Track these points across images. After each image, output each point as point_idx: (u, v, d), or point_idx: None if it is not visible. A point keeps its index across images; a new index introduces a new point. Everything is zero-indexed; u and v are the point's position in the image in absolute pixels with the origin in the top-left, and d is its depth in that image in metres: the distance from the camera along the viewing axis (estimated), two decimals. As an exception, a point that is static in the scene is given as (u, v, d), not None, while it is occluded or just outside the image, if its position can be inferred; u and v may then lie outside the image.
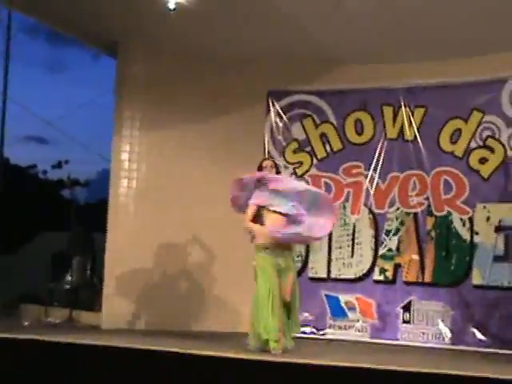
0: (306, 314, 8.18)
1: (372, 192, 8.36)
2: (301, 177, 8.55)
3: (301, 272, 8.23)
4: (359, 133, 8.51)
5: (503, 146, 7.86)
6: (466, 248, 7.93)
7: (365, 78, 8.34)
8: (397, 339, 7.99)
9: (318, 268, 8.48)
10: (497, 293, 7.68)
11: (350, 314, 8.23)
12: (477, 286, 7.80)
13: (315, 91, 8.61)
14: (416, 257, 8.09)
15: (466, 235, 7.93)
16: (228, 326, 8.26)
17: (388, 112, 8.38)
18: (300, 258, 8.41)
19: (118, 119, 8.57)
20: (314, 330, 8.30)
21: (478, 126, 7.99)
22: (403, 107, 8.28)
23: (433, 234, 8.09)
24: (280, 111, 8.73)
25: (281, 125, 8.73)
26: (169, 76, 8.62)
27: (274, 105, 8.73)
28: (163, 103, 8.61)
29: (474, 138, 8.01)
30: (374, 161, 8.32)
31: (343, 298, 8.26)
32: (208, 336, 7.59)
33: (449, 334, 7.83)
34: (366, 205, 8.37)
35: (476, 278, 7.81)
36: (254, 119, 8.70)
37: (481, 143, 7.99)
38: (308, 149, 8.67)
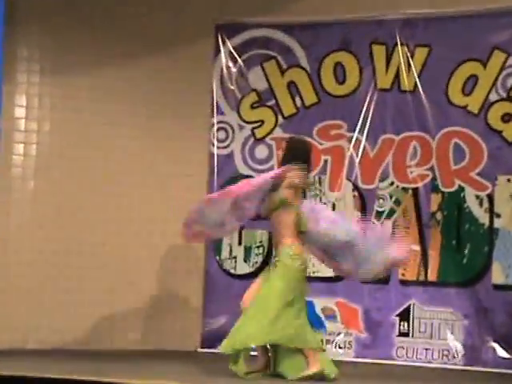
0: None
1: (357, 161, 7.51)
2: (261, 140, 7.51)
3: (259, 270, 7.16)
4: (340, 81, 7.50)
5: None
6: (483, 235, 6.96)
7: (347, 7, 7.43)
8: (391, 358, 7.09)
9: None
10: None
11: (329, 325, 7.38)
12: (498, 287, 6.87)
13: (280, 24, 7.68)
14: (416, 247, 7.13)
15: (483, 218, 6.96)
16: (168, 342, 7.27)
17: (379, 53, 7.35)
18: (262, 250, 7.39)
19: (9, 60, 7.16)
20: None
21: (500, 71, 6.98)
22: (399, 46, 7.23)
23: (439, 216, 7.12)
24: (233, 52, 7.77)
25: (234, 70, 7.77)
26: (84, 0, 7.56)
27: (224, 43, 7.78)
28: (75, 39, 7.42)
29: (495, 88, 7.00)
30: (361, 119, 7.33)
31: (319, 304, 7.30)
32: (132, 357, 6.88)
33: (461, 351, 6.89)
34: (349, 178, 7.47)
35: (497, 276, 6.88)
36: (198, 63, 7.72)
37: (504, 94, 6.99)
38: (271, 103, 7.72)
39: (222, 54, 7.74)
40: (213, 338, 7.11)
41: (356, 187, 7.41)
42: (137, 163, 7.42)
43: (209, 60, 7.76)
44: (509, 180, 6.89)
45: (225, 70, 7.76)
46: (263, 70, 7.66)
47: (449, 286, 7.03)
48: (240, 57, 7.74)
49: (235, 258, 7.42)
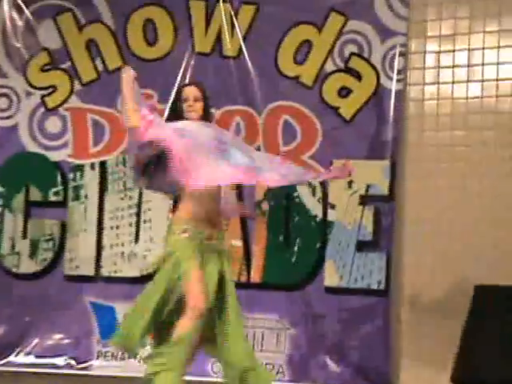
0: (59, 336, 6.45)
1: (172, 139, 6.65)
2: (54, 110, 6.65)
3: (50, 268, 6.47)
4: (150, 42, 6.69)
5: (375, 69, 6.18)
6: (315, 229, 6.27)
7: None
8: (206, 374, 6.03)
9: (80, 260, 6.65)
10: (362, 299, 6.08)
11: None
12: (331, 289, 6.16)
13: None
14: (237, 243, 6.41)
15: (316, 209, 6.27)
16: None
17: (198, 9, 6.59)
18: (52, 244, 6.57)
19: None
20: (72, 362, 6.43)
21: (337, 38, 6.31)
22: (221, 3, 6.50)
23: (265, 206, 6.40)
24: (19, 1, 6.85)
25: (20, 24, 6.84)
26: None
27: None
28: None
29: (332, 57, 6.33)
30: (175, 88, 6.32)
31: (121, 310, 6.38)
32: None
33: (286, 365, 6.11)
34: None
35: (330, 277, 6.16)
36: None
37: (341, 64, 6.34)
38: (66, 65, 6.85)
39: (5, 3, 6.90)
40: None
41: (168, 170, 6.74)
42: None
43: (-11, 11, 7.14)
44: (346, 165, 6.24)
45: (8, 24, 6.90)
46: (56, 24, 6.84)
47: (275, 288, 6.30)
48: (27, 8, 6.92)
49: (18, 253, 6.47)
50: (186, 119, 4.43)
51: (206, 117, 4.51)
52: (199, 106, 4.55)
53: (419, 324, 6.01)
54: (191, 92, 4.58)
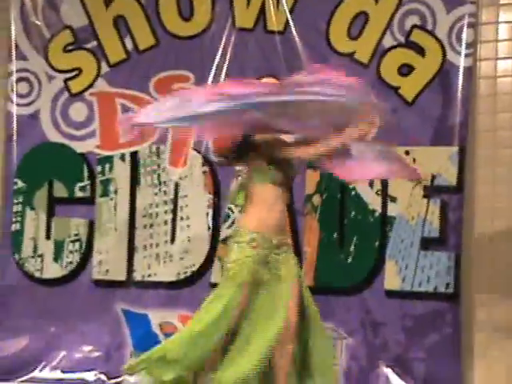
0: (87, 348, 6.13)
1: (209, 126, 6.44)
2: (79, 95, 6.31)
3: (77, 272, 6.18)
4: (185, 17, 6.29)
5: (440, 43, 5.76)
6: (374, 226, 5.88)
7: None
8: None
9: (109, 264, 6.34)
10: (427, 304, 5.69)
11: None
12: (392, 293, 5.77)
13: None
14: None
15: (374, 202, 5.90)
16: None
17: None
18: (79, 246, 6.24)
19: None
20: (103, 377, 6.08)
21: (396, 9, 5.87)
22: None
23: (317, 200, 6.04)
24: None
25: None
26: None
27: None
28: None
29: (391, 30, 5.89)
30: (213, 68, 6.14)
31: (156, 318, 6.20)
32: None
33: (342, 379, 5.72)
34: (197, 150, 6.32)
35: (391, 279, 5.77)
36: None
37: (402, 39, 5.89)
38: (92, 44, 6.48)
39: None
40: (8, 367, 6.03)
41: (207, 161, 6.26)
42: None
43: (5, -14, 6.87)
44: (407, 152, 5.67)
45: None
46: None
47: (329, 292, 5.88)
48: None
49: (41, 256, 6.18)
50: None
51: None
52: None
53: (493, 332, 5.58)
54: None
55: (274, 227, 4.26)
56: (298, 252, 6.02)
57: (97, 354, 6.30)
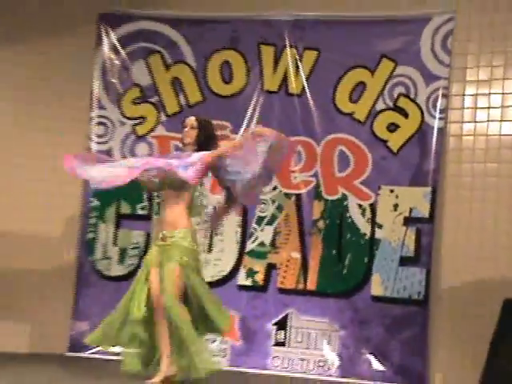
0: None
1: (241, 163, 7.04)
2: (143, 137, 7.21)
3: (136, 272, 6.29)
4: (226, 80, 7.21)
5: (420, 108, 6.74)
6: (364, 245, 6.78)
7: (237, 4, 7.17)
8: (266, 367, 6.66)
9: None
10: (403, 308, 6.59)
11: (204, 332, 6.89)
12: (377, 298, 6.70)
13: (166, 18, 7.30)
14: (297, 255, 6.83)
15: (365, 228, 6.78)
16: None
17: (267, 53, 7.09)
18: (138, 252, 7.00)
19: None
20: None
21: (387, 80, 6.85)
22: (288, 48, 7.03)
23: (321, 224, 6.87)
24: (116, 43, 7.34)
25: (117, 63, 7.33)
26: None
27: (107, 34, 7.33)
28: None
29: (382, 97, 6.88)
30: (246, 120, 7.07)
31: None
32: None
33: (336, 362, 6.66)
34: None
35: (376, 287, 6.71)
36: (78, 54, 7.24)
37: (390, 104, 6.88)
38: (154, 99, 7.34)
39: (105, 45, 7.33)
40: (82, 342, 6.37)
41: (237, 191, 6.93)
42: (12, 153, 6.99)
43: (90, 51, 7.31)
44: (392, 191, 6.65)
45: (107, 63, 7.35)
46: (147, 64, 7.31)
47: (327, 296, 6.82)
48: (123, 49, 7.36)
49: (109, 258, 7.02)
50: (183, 142, 5.45)
51: (198, 142, 5.37)
52: (193, 133, 5.44)
53: (454, 332, 6.40)
54: (190, 121, 5.50)
55: (166, 224, 5.32)
56: (305, 264, 6.79)
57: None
